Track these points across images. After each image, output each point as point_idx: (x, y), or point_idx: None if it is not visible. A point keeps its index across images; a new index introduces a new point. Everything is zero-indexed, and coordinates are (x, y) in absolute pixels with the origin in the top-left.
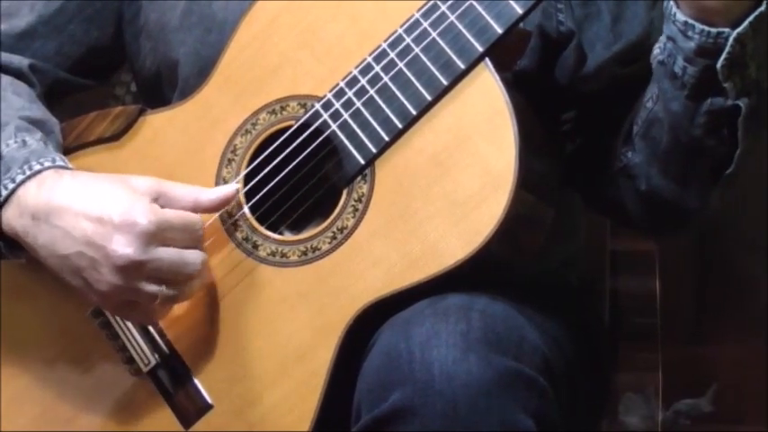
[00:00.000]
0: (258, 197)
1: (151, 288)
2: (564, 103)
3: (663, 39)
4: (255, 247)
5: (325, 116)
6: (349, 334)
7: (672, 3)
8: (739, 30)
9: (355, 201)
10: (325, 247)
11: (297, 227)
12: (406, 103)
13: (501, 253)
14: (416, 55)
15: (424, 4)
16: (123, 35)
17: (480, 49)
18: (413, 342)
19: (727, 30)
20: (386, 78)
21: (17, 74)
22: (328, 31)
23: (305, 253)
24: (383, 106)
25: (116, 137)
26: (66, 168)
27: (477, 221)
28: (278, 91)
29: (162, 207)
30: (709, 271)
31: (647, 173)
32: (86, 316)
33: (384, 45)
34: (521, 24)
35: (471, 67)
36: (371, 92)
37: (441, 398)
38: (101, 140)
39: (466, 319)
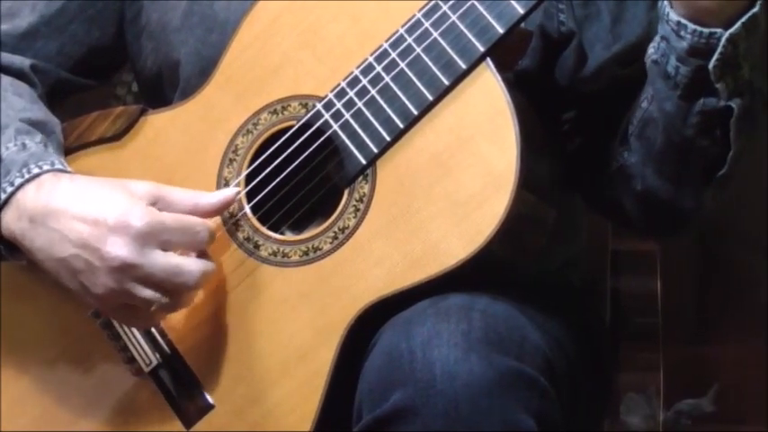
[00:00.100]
0: (259, 197)
1: (146, 293)
2: (564, 103)
3: (657, 38)
4: (257, 247)
5: (327, 116)
6: (350, 334)
7: (666, 2)
8: (732, 30)
9: (357, 201)
10: (327, 247)
11: (298, 227)
12: (407, 103)
13: (502, 253)
14: (418, 55)
15: (426, 4)
16: (125, 35)
17: (482, 49)
18: (414, 342)
19: (719, 30)
20: (387, 78)
21: (19, 74)
22: (330, 31)
23: (306, 253)
24: (384, 106)
25: (117, 137)
26: (65, 172)
27: (479, 221)
28: (279, 91)
29: (160, 211)
30: (710, 271)
31: (643, 173)
32: (87, 316)
33: (385, 45)
34: (522, 24)
35: (473, 67)
36: (373, 92)
37: (442, 398)
38: (102, 140)
39: (467, 318)
